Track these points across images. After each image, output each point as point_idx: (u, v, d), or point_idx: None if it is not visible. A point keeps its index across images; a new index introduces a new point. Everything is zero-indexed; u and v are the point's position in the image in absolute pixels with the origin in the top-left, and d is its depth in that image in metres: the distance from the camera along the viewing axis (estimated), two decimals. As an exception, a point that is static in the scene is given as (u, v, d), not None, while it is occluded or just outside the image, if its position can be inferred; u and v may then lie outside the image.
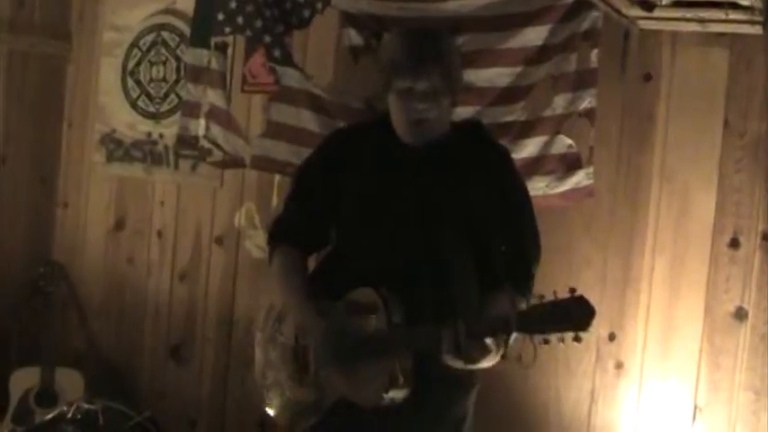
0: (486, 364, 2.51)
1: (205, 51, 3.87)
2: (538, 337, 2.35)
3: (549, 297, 2.36)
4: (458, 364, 2.48)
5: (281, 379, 2.79)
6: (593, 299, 3.60)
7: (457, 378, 2.61)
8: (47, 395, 4.42)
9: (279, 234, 2.89)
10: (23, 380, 4.43)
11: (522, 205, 2.79)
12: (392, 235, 2.67)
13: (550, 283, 2.69)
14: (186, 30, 4.31)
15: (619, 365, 3.67)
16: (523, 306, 2.52)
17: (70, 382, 4.48)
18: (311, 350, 2.67)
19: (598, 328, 3.65)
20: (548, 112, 3.58)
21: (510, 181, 2.80)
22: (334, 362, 2.61)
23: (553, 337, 2.35)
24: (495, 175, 2.75)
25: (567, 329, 2.33)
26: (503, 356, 2.50)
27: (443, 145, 2.71)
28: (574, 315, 2.33)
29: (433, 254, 2.66)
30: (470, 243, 2.69)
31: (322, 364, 2.64)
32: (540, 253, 2.80)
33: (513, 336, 2.41)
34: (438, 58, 2.62)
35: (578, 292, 2.35)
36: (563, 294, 2.35)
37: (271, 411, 2.86)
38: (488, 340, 2.43)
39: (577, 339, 2.34)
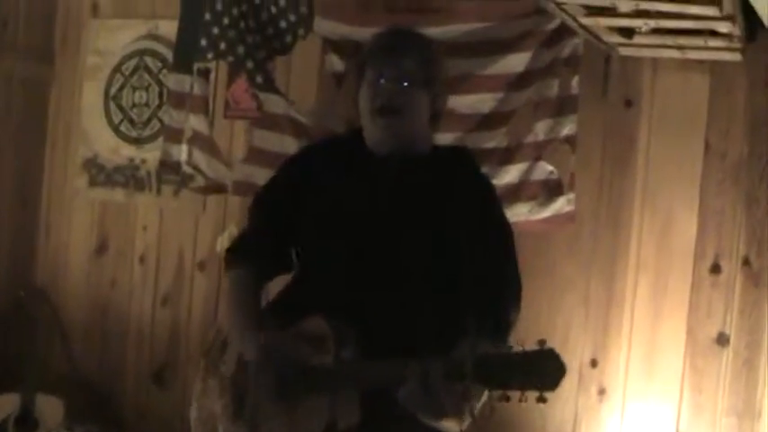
0: (454, 425, 2.19)
1: (187, 77, 3.87)
2: (497, 393, 2.04)
3: (515, 347, 2.06)
4: (420, 410, 2.17)
5: (216, 411, 2.50)
6: (576, 322, 3.69)
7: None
8: (27, 421, 4.38)
9: (236, 253, 2.62)
10: (3, 406, 4.39)
11: (501, 244, 2.46)
12: (354, 261, 2.40)
13: (534, 307, 2.67)
14: (169, 55, 4.32)
15: (601, 391, 3.67)
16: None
17: (51, 407, 4.44)
18: (247, 381, 2.39)
19: (582, 352, 3.68)
20: (529, 139, 3.60)
21: (491, 216, 2.49)
22: (270, 395, 2.34)
23: (514, 394, 2.01)
24: (474, 207, 2.45)
25: (531, 387, 2.00)
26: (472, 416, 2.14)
27: (420, 165, 2.46)
28: (541, 371, 2.00)
29: (396, 285, 2.37)
30: (441, 278, 2.38)
31: (257, 398, 2.37)
32: (520, 299, 2.44)
33: (484, 394, 2.11)
34: (413, 47, 2.44)
35: (548, 345, 2.03)
36: (532, 346, 2.03)
37: None
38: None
39: (542, 399, 2.01)
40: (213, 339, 2.63)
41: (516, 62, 3.56)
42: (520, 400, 2.02)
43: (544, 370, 2.01)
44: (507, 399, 2.03)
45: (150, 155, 4.52)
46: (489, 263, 2.40)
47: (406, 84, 2.40)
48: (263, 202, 2.66)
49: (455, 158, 2.58)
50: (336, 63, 3.83)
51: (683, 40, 3.15)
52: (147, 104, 4.62)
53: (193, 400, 2.61)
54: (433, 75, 2.46)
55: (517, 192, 3.54)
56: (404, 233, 2.41)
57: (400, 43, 2.46)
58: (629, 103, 3.66)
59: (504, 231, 2.50)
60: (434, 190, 2.45)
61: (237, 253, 2.62)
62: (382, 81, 2.42)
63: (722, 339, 3.51)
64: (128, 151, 4.66)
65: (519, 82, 3.57)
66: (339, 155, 2.56)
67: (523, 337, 2.33)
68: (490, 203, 2.53)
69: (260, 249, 2.58)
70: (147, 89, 4.61)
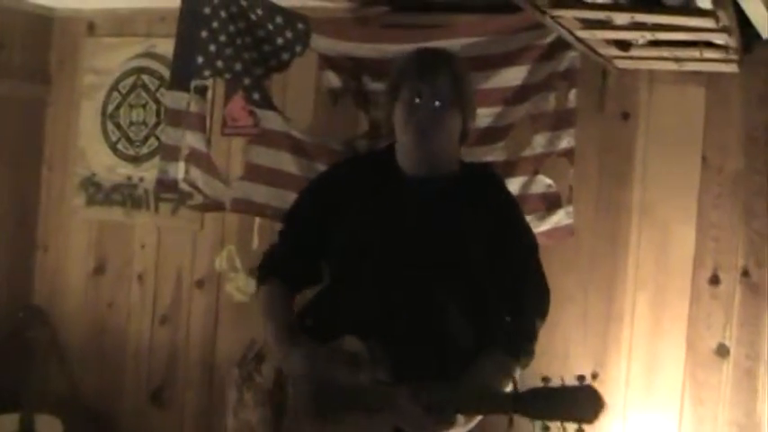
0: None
1: (185, 95, 3.85)
2: (537, 423, 2.27)
3: (555, 381, 2.23)
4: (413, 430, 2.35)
5: (253, 422, 2.63)
6: (575, 335, 3.69)
7: None
8: (26, 442, 4.37)
9: (267, 268, 2.75)
10: (2, 427, 4.37)
11: (526, 259, 2.64)
12: (385, 280, 2.52)
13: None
14: (166, 73, 4.32)
15: (602, 404, 3.66)
16: (518, 372, 2.44)
17: (50, 428, 4.43)
18: (289, 396, 2.51)
19: (582, 365, 3.67)
20: (527, 152, 3.61)
21: (516, 232, 2.65)
22: (311, 411, 2.46)
23: (554, 425, 2.21)
24: (502, 224, 2.60)
25: (571, 419, 2.18)
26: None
27: (449, 184, 2.60)
28: (580, 405, 2.17)
29: (426, 304, 2.50)
30: (468, 291, 2.53)
31: (299, 412, 2.48)
32: (547, 309, 2.64)
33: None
34: (446, 67, 2.56)
35: (587, 382, 2.21)
36: (570, 380, 2.21)
37: None
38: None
39: (580, 431, 2.20)
40: (246, 351, 2.73)
41: (513, 76, 3.56)
42: (560, 431, 2.19)
43: (583, 405, 2.16)
44: (547, 429, 2.30)
45: (148, 173, 4.52)
46: (516, 277, 2.57)
47: (440, 103, 2.52)
48: (294, 218, 2.78)
49: (482, 177, 2.71)
50: (333, 79, 3.83)
51: (679, 52, 3.15)
52: (144, 123, 4.62)
53: (229, 410, 2.73)
54: (465, 94, 2.59)
55: (516, 205, 3.55)
56: (433, 252, 2.53)
57: (434, 63, 2.56)
58: (626, 116, 3.68)
59: (530, 246, 2.67)
60: (462, 209, 2.57)
61: (268, 268, 2.74)
62: (417, 100, 2.53)
63: (722, 350, 3.52)
64: (125, 170, 4.67)
65: (516, 96, 3.58)
66: (369, 173, 2.67)
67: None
68: (515, 219, 2.69)
69: (290, 265, 2.70)
70: (144, 107, 4.62)
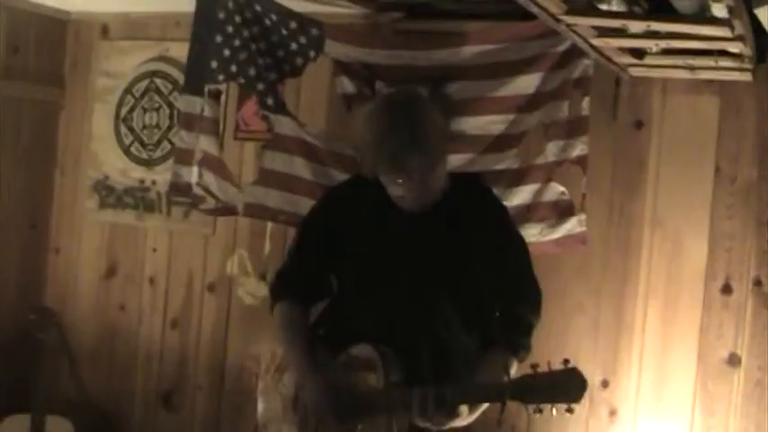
0: (459, 424, 2.56)
1: (198, 99, 3.86)
2: (531, 407, 2.39)
3: (543, 367, 2.40)
4: (425, 424, 2.53)
5: (283, 431, 2.80)
6: (586, 344, 3.69)
7: None
8: (37, 443, 4.37)
9: (280, 288, 2.92)
10: (13, 428, 4.38)
11: (519, 262, 2.81)
12: (391, 295, 2.70)
13: (544, 330, 2.76)
14: (179, 77, 4.33)
15: (612, 412, 3.66)
16: (514, 365, 2.59)
17: (61, 429, 4.43)
18: (309, 406, 2.68)
19: (593, 374, 3.66)
20: (540, 160, 3.61)
21: (507, 238, 2.82)
22: (330, 418, 2.62)
23: (546, 407, 2.39)
24: (493, 232, 2.77)
25: (560, 401, 2.38)
26: (499, 422, 2.54)
27: (441, 202, 2.74)
28: (567, 387, 2.38)
29: (431, 312, 2.70)
30: (468, 299, 2.73)
31: (319, 421, 2.65)
32: (540, 310, 2.80)
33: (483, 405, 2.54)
34: (415, 143, 2.57)
35: (571, 364, 2.40)
36: (556, 365, 2.40)
37: None
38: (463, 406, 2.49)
39: (570, 411, 2.39)
40: (269, 363, 2.89)
41: (527, 84, 3.56)
42: (551, 411, 2.39)
43: (570, 386, 2.38)
44: (540, 411, 2.40)
45: (160, 176, 4.54)
46: (511, 278, 2.76)
47: (420, 177, 2.62)
48: (303, 237, 2.95)
49: (470, 189, 2.85)
50: (347, 85, 3.83)
51: (693, 61, 3.15)
52: (157, 126, 4.64)
53: (259, 421, 2.90)
54: (440, 145, 2.66)
55: (528, 213, 3.55)
56: (432, 264, 2.71)
57: (403, 147, 2.57)
58: (639, 125, 3.67)
59: (520, 248, 2.84)
60: (456, 222, 2.74)
61: (282, 289, 2.91)
62: (395, 183, 2.65)
63: (733, 360, 3.50)
64: (138, 173, 4.68)
65: (530, 103, 3.58)
66: (371, 195, 2.79)
67: (534, 359, 2.52)
68: (507, 226, 2.85)
69: (302, 285, 2.88)
70: (157, 111, 4.64)
